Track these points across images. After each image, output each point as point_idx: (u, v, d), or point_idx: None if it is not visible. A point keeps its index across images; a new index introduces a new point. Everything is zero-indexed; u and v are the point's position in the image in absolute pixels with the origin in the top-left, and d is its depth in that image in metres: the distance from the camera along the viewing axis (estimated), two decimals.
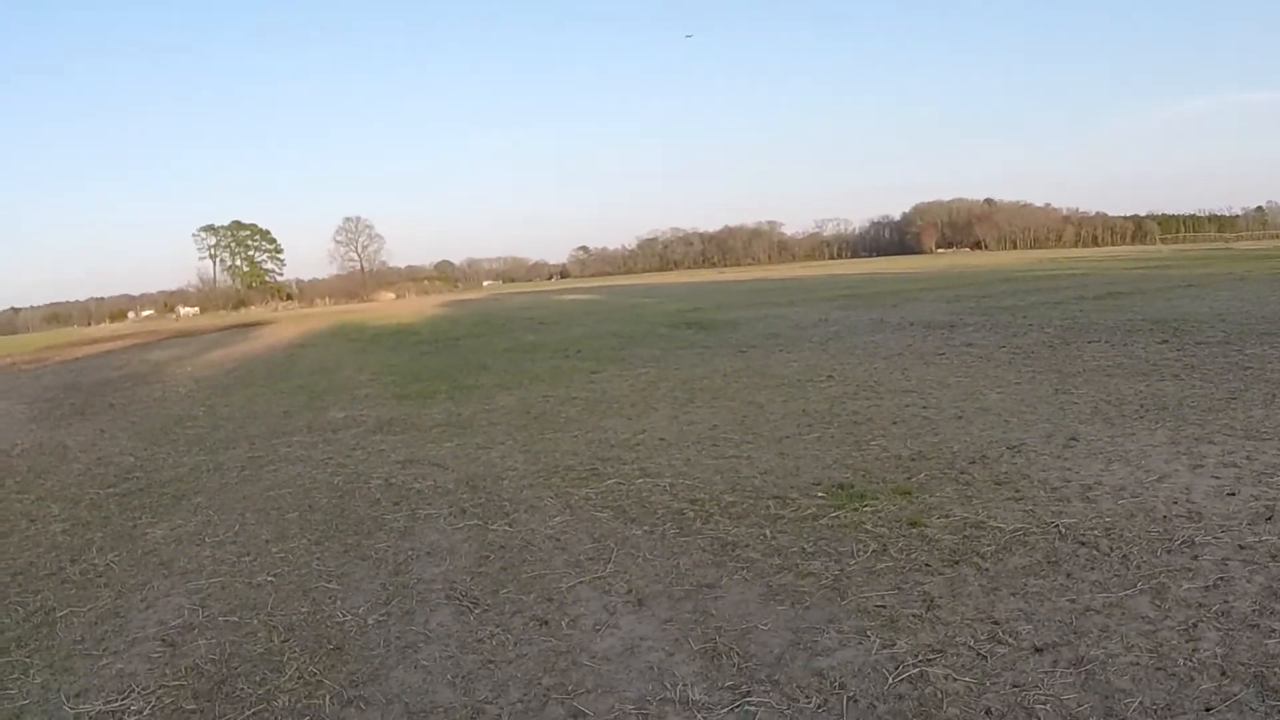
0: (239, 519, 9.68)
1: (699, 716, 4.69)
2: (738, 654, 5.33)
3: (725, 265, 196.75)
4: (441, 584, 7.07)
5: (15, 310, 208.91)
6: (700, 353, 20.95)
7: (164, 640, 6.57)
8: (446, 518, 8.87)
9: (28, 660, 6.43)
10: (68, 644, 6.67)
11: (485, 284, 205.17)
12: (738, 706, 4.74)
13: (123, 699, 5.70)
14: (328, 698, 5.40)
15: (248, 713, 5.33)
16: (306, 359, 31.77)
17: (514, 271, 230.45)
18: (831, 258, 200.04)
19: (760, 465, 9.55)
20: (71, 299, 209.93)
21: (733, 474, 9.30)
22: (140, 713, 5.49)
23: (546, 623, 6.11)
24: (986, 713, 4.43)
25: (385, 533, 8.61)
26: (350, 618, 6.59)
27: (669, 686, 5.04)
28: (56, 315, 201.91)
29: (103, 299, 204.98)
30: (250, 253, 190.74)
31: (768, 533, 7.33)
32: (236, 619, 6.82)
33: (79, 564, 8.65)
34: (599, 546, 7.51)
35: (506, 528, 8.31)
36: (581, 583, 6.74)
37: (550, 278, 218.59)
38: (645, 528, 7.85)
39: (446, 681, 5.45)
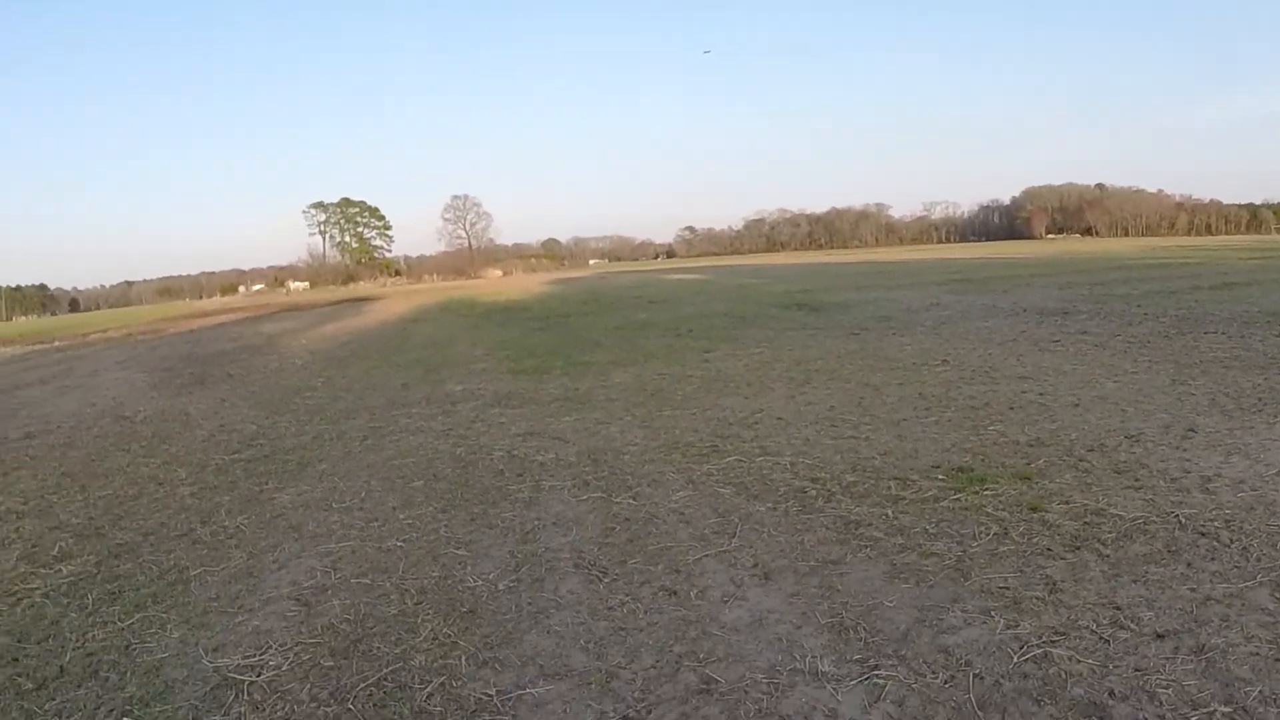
0: (364, 486, 9.91)
1: (829, 688, 4.79)
2: (864, 629, 5.42)
3: (832, 247, 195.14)
4: (569, 553, 7.22)
5: (129, 284, 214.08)
6: (812, 334, 20.90)
7: (298, 600, 6.79)
8: (570, 489, 9.02)
9: (164, 616, 6.66)
10: (203, 601, 6.91)
11: (591, 263, 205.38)
12: (866, 679, 4.84)
13: (260, 654, 5.91)
14: (463, 658, 5.57)
15: (385, 670, 5.51)
16: (419, 334, 32.06)
17: (620, 250, 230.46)
18: (939, 241, 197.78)
19: (879, 446, 9.59)
20: (182, 273, 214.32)
21: (852, 454, 9.34)
22: (279, 668, 5.70)
23: (675, 593, 6.24)
24: (1110, 694, 4.49)
25: (510, 502, 8.78)
26: (481, 583, 6.77)
27: (798, 658, 5.14)
28: (168, 288, 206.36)
29: (213, 273, 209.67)
30: (359, 229, 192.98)
31: (890, 513, 7.40)
32: (368, 581, 7.02)
33: (209, 525, 8.93)
34: (723, 521, 7.60)
35: (630, 501, 8.45)
36: (707, 556, 6.86)
37: (656, 257, 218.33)
38: (768, 504, 7.93)
39: (580, 646, 5.60)
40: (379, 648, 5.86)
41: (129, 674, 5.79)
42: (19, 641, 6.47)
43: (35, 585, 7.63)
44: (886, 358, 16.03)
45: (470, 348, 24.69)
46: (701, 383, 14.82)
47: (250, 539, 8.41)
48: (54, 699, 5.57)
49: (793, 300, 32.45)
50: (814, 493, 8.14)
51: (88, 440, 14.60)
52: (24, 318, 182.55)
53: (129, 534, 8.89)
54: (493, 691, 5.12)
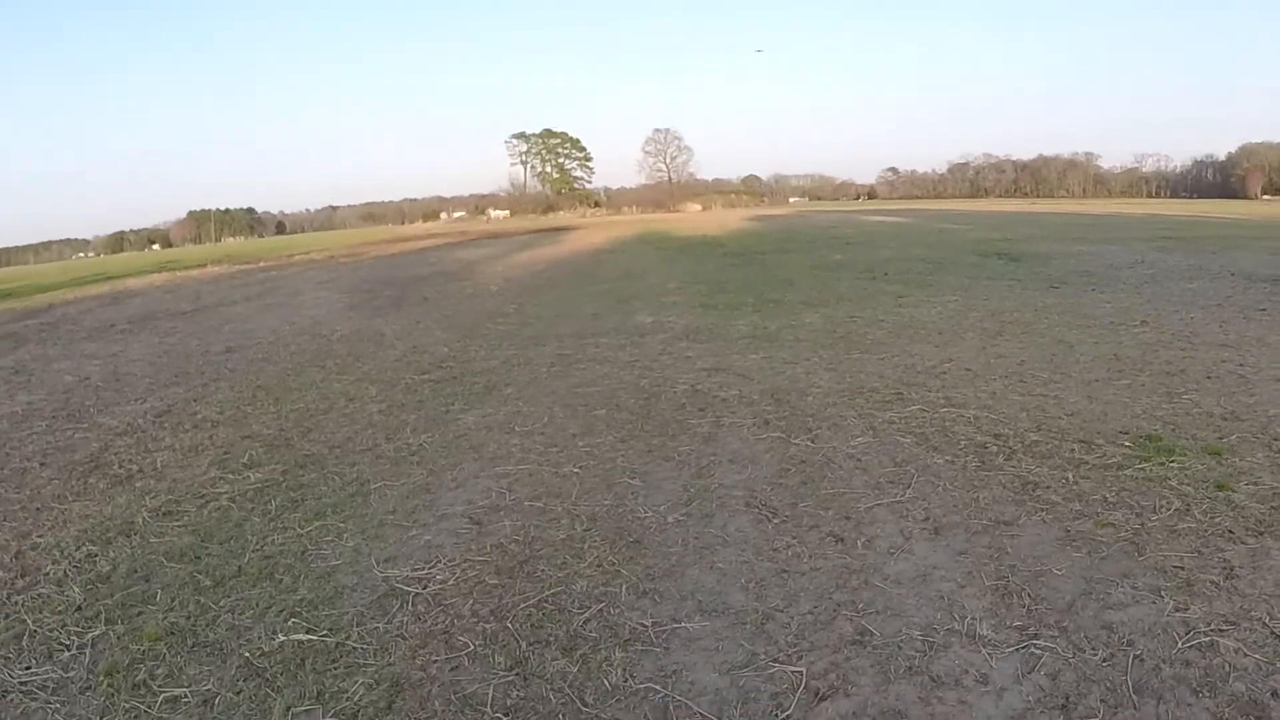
0: (547, 412, 10.11)
1: (984, 652, 4.72)
2: (1029, 595, 5.31)
3: (1037, 196, 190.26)
4: (742, 491, 7.25)
5: (334, 209, 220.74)
6: (1010, 285, 20.37)
7: (471, 518, 7.00)
8: (750, 427, 9.03)
9: (342, 526, 6.97)
10: (380, 514, 7.20)
11: (791, 200, 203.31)
12: (1023, 648, 4.75)
13: (429, 568, 6.13)
14: (624, 587, 5.67)
15: (546, 593, 5.66)
16: (614, 264, 32.43)
17: (820, 190, 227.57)
18: (1149, 196, 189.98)
19: (1067, 406, 9.32)
20: (386, 200, 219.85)
21: (1038, 412, 9.12)
22: (445, 582, 5.90)
23: (842, 540, 6.21)
24: (1273, 694, 4.28)
25: (689, 436, 8.85)
26: (651, 514, 6.86)
27: (957, 618, 5.08)
28: (372, 214, 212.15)
29: (415, 200, 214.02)
30: (560, 160, 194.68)
31: (1070, 476, 7.20)
32: (541, 505, 7.19)
33: (393, 442, 9.25)
34: (899, 471, 7.52)
35: (808, 443, 8.42)
36: (879, 505, 6.80)
37: (857, 198, 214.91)
38: (947, 457, 7.82)
39: (740, 585, 5.63)
40: (543, 570, 6.01)
41: (302, 577, 6.06)
42: (203, 541, 6.83)
43: (223, 490, 8.03)
44: (1084, 314, 15.56)
45: (663, 280, 24.86)
46: (892, 328, 14.65)
47: (431, 457, 8.69)
48: (229, 596, 5.85)
49: (993, 248, 31.63)
50: (995, 449, 7.99)
51: (284, 356, 15.32)
52: (232, 239, 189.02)
53: (316, 446, 9.28)
54: (648, 622, 5.19)
